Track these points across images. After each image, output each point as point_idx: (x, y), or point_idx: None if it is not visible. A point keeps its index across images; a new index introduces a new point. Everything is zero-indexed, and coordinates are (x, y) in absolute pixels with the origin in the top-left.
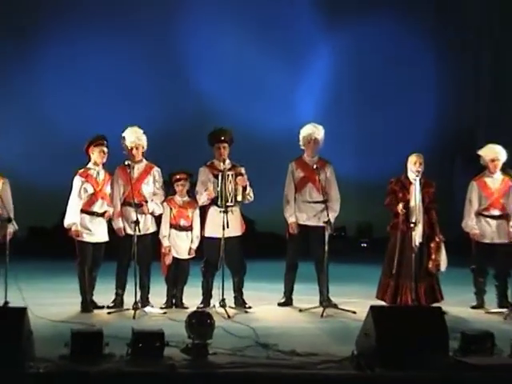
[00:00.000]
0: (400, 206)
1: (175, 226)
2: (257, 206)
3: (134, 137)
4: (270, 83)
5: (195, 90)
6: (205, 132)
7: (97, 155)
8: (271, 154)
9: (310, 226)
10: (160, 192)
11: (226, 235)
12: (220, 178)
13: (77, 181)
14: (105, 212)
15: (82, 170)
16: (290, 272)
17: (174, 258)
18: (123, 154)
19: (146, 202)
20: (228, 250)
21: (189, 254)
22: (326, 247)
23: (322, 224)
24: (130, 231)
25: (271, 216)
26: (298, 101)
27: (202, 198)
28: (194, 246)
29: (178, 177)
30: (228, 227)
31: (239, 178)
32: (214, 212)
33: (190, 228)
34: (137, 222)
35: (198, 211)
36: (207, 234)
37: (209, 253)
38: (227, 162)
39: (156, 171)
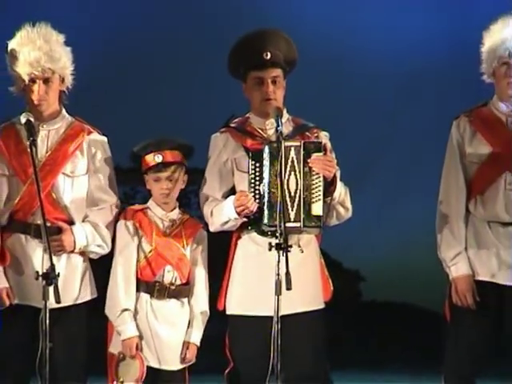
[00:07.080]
0: None
1: (148, 285)
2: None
3: None
4: None
5: None
6: None
7: None
8: None
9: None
10: (107, 198)
11: (285, 310)
12: (267, 155)
13: None
14: None
15: None
16: None
17: (150, 372)
18: None
19: (71, 222)
20: (291, 344)
21: (183, 362)
22: None
23: None
24: (28, 301)
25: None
26: None
27: (217, 218)
28: (196, 337)
29: (154, 159)
30: (290, 288)
31: (318, 156)
32: (249, 250)
33: (185, 290)
34: (49, 276)
35: (204, 246)
36: (233, 308)
37: (240, 353)
38: (284, 114)
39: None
